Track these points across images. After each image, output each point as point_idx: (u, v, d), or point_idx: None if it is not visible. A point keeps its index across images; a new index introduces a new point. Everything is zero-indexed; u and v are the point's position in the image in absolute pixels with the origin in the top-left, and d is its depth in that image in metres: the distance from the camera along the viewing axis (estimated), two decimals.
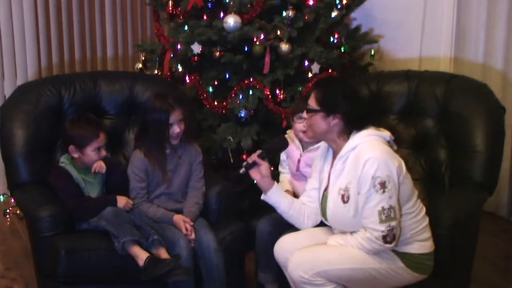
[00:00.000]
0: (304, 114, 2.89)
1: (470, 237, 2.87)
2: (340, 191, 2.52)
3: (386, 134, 2.55)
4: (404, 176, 2.48)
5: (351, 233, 2.54)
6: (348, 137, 2.53)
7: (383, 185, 2.39)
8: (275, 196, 2.73)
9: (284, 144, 2.82)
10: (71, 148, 2.96)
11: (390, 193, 2.40)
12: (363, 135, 2.50)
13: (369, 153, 2.42)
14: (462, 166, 2.98)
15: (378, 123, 2.59)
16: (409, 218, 2.51)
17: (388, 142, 2.54)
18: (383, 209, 2.40)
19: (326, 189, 2.64)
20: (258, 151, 2.72)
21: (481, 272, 3.42)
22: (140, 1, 5.15)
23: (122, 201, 2.95)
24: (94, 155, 2.96)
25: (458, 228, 2.65)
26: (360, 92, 2.67)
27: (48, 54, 4.77)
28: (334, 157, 2.61)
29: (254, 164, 2.69)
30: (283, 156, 3.12)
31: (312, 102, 2.56)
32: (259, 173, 2.69)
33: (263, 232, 2.91)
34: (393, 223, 2.41)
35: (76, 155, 2.97)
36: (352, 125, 2.52)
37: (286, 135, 3.08)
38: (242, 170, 2.73)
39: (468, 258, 2.88)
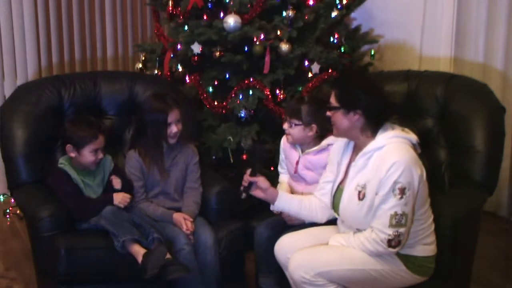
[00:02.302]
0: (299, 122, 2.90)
1: (470, 237, 2.86)
2: (358, 187, 2.51)
3: (413, 137, 2.53)
4: (423, 184, 2.48)
5: (354, 233, 2.54)
6: (371, 134, 2.51)
7: (402, 191, 2.38)
8: (283, 203, 2.72)
9: (261, 150, 2.81)
10: (69, 147, 2.97)
11: (407, 200, 2.39)
12: (390, 135, 2.49)
13: (396, 156, 2.41)
14: (462, 166, 2.98)
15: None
16: (418, 225, 2.51)
17: (414, 145, 2.52)
18: (395, 214, 2.39)
19: (341, 182, 2.63)
20: (247, 172, 2.70)
21: (481, 272, 3.41)
22: (140, 1, 5.15)
23: (118, 197, 2.94)
24: (90, 156, 2.96)
25: (458, 228, 2.65)
26: (379, 86, 2.62)
27: (48, 54, 4.77)
28: (354, 151, 2.60)
29: (251, 184, 2.69)
30: (282, 155, 3.12)
31: (332, 100, 2.55)
32: (260, 189, 2.69)
33: (262, 237, 2.90)
34: (401, 230, 2.40)
35: (73, 155, 2.97)
36: (374, 120, 2.50)
37: (285, 135, 3.08)
38: (243, 196, 2.72)
39: (468, 258, 2.88)
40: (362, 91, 2.49)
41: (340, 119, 2.53)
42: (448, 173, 3.03)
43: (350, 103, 2.49)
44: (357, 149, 2.58)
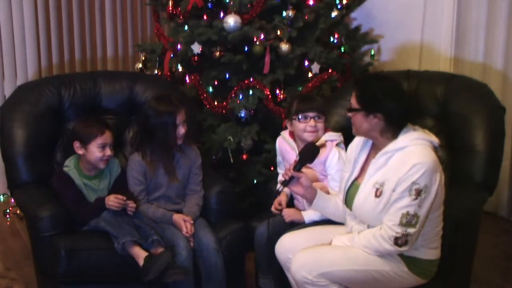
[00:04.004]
0: (312, 113, 2.89)
1: (470, 237, 2.86)
2: (376, 184, 2.49)
3: (435, 140, 2.51)
4: (441, 188, 2.47)
5: (359, 233, 2.53)
6: (392, 137, 2.49)
7: (418, 192, 2.37)
8: (321, 202, 2.67)
9: (316, 151, 2.66)
10: (76, 144, 2.97)
11: (421, 202, 2.38)
12: (413, 137, 2.47)
13: (419, 158, 2.39)
14: (462, 166, 2.97)
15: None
16: (429, 228, 2.49)
17: (435, 148, 2.51)
18: (407, 213, 2.38)
19: (357, 178, 2.61)
20: (291, 165, 2.61)
21: (481, 272, 3.42)
22: (140, 1, 5.15)
23: (109, 200, 2.88)
24: (98, 152, 2.95)
25: (458, 228, 2.65)
26: (401, 89, 2.57)
27: (48, 54, 4.77)
28: (373, 148, 2.58)
29: (292, 179, 2.60)
30: (279, 158, 3.11)
31: (353, 101, 2.52)
32: (301, 186, 2.60)
33: (262, 237, 2.88)
34: (410, 230, 2.39)
35: (81, 152, 2.97)
36: (394, 124, 2.48)
37: (280, 136, 3.08)
38: (280, 188, 2.66)
39: (468, 258, 2.88)
40: (383, 95, 2.46)
41: (360, 120, 2.51)
42: (448, 173, 3.02)
43: (371, 106, 2.47)
44: (375, 147, 2.56)
